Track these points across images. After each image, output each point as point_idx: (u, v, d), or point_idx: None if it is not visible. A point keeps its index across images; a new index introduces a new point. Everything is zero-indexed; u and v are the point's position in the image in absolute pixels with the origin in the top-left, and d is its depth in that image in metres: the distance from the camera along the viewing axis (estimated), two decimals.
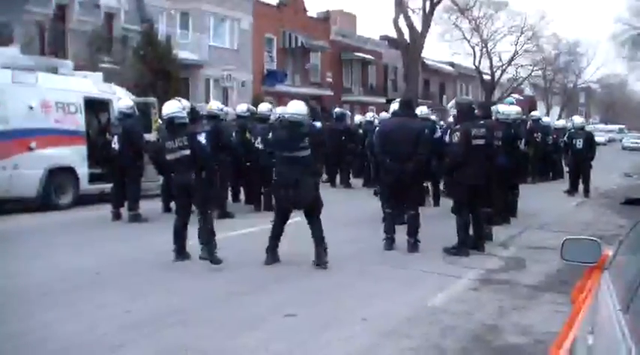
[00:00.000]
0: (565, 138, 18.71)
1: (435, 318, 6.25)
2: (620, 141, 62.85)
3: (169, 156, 8.34)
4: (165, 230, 10.84)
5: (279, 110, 12.01)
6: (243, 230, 10.81)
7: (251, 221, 11.60)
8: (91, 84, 14.62)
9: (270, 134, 8.90)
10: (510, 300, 7.00)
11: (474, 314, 6.44)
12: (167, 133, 8.50)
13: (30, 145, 12.66)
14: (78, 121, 13.76)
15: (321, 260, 7.98)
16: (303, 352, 5.40)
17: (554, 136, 20.67)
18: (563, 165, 20.64)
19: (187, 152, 8.16)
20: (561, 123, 23.42)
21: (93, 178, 14.01)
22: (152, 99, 15.76)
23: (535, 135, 16.27)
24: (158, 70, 24.94)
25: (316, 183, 8.29)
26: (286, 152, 8.01)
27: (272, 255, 8.22)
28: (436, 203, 13.39)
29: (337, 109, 20.08)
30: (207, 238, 8.13)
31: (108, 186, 12.77)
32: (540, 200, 14.11)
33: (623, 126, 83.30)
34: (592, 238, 3.48)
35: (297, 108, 8.06)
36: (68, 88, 13.74)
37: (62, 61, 15.48)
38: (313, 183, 8.14)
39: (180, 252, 8.40)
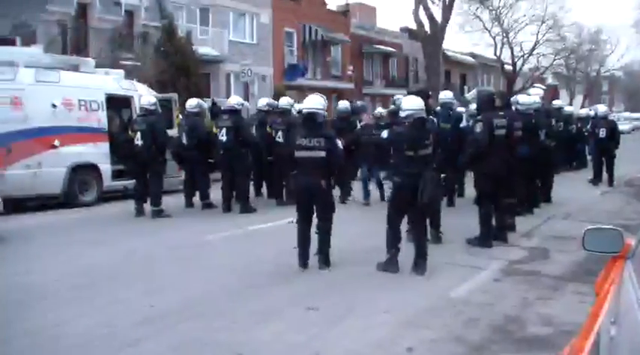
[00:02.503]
0: (588, 127, 18.57)
1: (457, 310, 6.22)
2: None
3: (299, 154, 7.71)
4: (186, 225, 11.02)
5: (299, 105, 11.98)
6: (263, 225, 10.83)
7: (272, 215, 11.63)
8: (113, 81, 14.73)
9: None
10: (534, 291, 6.94)
11: (497, 306, 6.39)
12: (302, 129, 7.90)
13: (53, 143, 12.80)
14: (100, 118, 13.89)
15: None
16: (321, 343, 5.36)
17: (578, 125, 20.47)
18: (587, 154, 20.47)
19: (323, 154, 7.63)
20: (584, 111, 23.15)
21: (116, 175, 14.14)
22: (173, 96, 15.84)
23: (556, 124, 15.99)
24: (179, 66, 25.04)
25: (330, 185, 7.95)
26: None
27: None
28: (460, 194, 13.31)
29: (358, 102, 20.01)
30: (327, 248, 7.79)
31: (131, 183, 12.86)
32: (564, 189, 13.96)
33: None
34: (614, 227, 3.44)
35: (315, 102, 7.97)
36: (90, 86, 13.87)
37: (84, 59, 15.60)
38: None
39: (302, 261, 7.79)
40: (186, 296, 6.68)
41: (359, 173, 14.15)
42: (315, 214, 7.84)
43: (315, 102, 7.94)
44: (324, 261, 7.74)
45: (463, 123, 12.28)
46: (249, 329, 5.66)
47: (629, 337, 2.28)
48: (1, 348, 5.31)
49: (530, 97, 12.88)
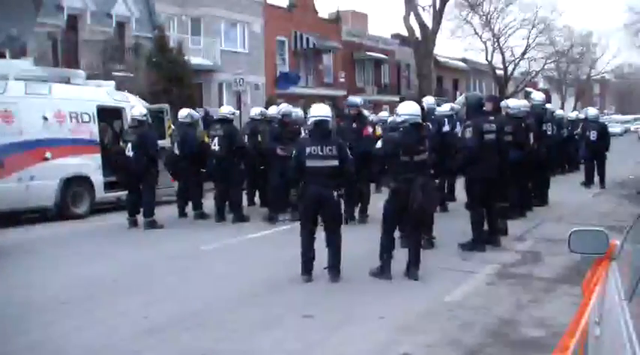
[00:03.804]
0: (579, 130, 18.69)
1: (452, 314, 6.26)
2: (637, 131, 62.14)
3: (310, 163, 7.50)
4: (181, 236, 11.02)
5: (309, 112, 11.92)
6: (257, 233, 10.86)
7: (266, 224, 11.65)
8: (104, 93, 14.71)
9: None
10: (527, 294, 6.99)
11: (491, 309, 6.43)
12: (312, 138, 7.74)
13: (45, 156, 12.76)
14: (92, 130, 13.86)
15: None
16: (321, 350, 5.42)
17: (569, 128, 20.56)
18: (579, 157, 20.54)
19: (335, 162, 7.51)
20: (575, 115, 23.26)
21: (108, 186, 14.11)
22: (165, 106, 15.84)
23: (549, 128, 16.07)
24: (171, 77, 25.04)
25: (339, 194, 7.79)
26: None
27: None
28: (451, 198, 13.34)
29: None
30: (339, 261, 7.66)
31: (123, 194, 12.84)
32: (556, 192, 14.02)
33: (638, 116, 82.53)
34: (599, 229, 3.47)
35: (324, 110, 7.85)
36: (81, 98, 13.83)
37: (75, 71, 15.58)
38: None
39: (308, 271, 7.62)
40: (185, 307, 6.70)
41: None
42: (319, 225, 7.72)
43: (323, 110, 7.85)
44: (336, 273, 7.60)
45: (445, 128, 12.35)
46: (249, 338, 5.69)
47: (613, 337, 2.30)
48: None
49: (520, 101, 13.00)
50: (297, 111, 12.92)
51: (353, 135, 11.17)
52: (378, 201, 8.24)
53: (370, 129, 12.05)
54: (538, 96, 14.91)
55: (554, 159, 14.24)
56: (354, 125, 11.53)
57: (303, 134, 11.68)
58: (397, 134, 7.83)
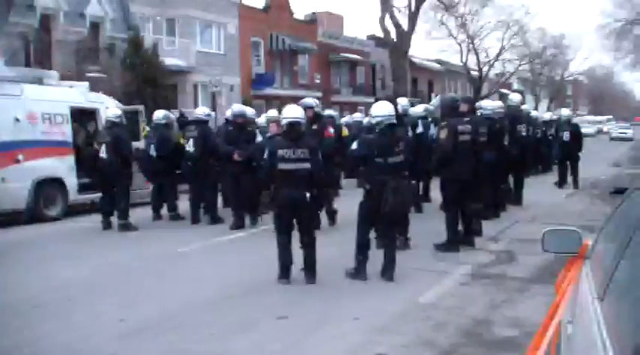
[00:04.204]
0: (553, 131, 18.87)
1: (427, 314, 6.28)
2: (609, 132, 63.06)
3: (282, 166, 7.42)
4: (157, 238, 10.95)
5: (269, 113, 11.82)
6: (232, 235, 10.84)
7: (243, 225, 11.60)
8: (78, 94, 14.57)
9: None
10: (501, 294, 7.04)
11: (465, 309, 6.46)
12: (284, 140, 7.59)
13: (17, 157, 12.61)
14: (65, 132, 13.72)
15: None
16: (298, 352, 5.44)
17: (543, 129, 20.74)
18: (552, 157, 20.73)
19: (307, 165, 7.44)
20: (549, 115, 23.49)
21: (82, 188, 13.97)
22: (140, 107, 15.73)
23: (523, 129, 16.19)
24: (146, 78, 24.91)
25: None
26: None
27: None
28: (426, 199, 13.38)
29: (326, 111, 19.94)
30: (314, 263, 7.61)
31: (97, 196, 12.72)
32: (530, 193, 14.14)
33: (610, 117, 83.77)
34: (572, 229, 3.50)
35: (297, 112, 7.76)
36: (54, 99, 13.69)
37: (48, 72, 15.43)
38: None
39: (286, 274, 7.56)
40: (163, 309, 6.66)
41: None
42: (295, 228, 7.67)
43: (296, 112, 7.75)
44: (312, 275, 7.59)
45: (419, 130, 12.39)
46: (227, 340, 5.68)
47: (585, 335, 2.32)
48: None
49: (495, 102, 13.10)
50: (253, 111, 12.66)
51: (315, 138, 11.00)
52: (352, 202, 8.22)
53: (332, 130, 11.66)
54: (515, 97, 15.05)
55: (528, 160, 14.33)
56: (314, 127, 11.30)
57: (259, 137, 11.45)
58: (372, 135, 7.82)
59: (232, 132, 11.66)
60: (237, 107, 12.46)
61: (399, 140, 7.85)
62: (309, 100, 11.79)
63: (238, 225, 11.30)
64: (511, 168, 12.45)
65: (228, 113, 13.62)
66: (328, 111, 19.38)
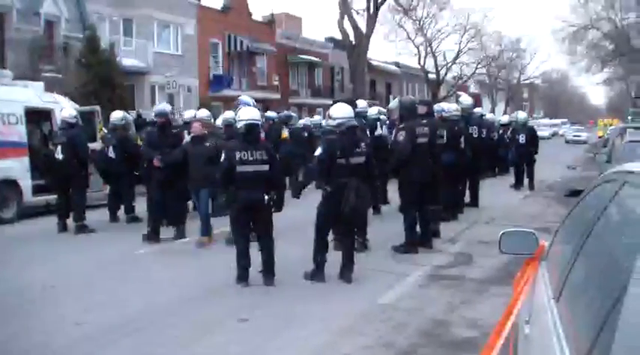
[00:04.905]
0: (509, 134, 19.15)
1: (386, 316, 6.34)
2: (564, 135, 64.29)
3: (241, 169, 7.39)
4: (115, 240, 10.80)
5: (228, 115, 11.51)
6: (192, 237, 10.73)
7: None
8: (32, 93, 14.32)
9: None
10: (459, 295, 7.12)
11: (424, 310, 6.53)
12: (242, 143, 7.55)
13: None
14: (19, 132, 13.46)
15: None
16: (262, 354, 5.45)
17: (500, 132, 21.02)
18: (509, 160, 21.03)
19: (266, 168, 7.46)
20: (506, 118, 23.82)
21: (37, 190, 13.72)
22: (96, 108, 15.52)
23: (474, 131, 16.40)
24: (102, 78, 24.53)
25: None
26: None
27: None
28: (384, 201, 13.44)
29: (285, 112, 19.94)
30: (273, 263, 7.61)
31: (52, 198, 12.51)
32: (487, 195, 14.32)
33: (565, 120, 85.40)
34: (528, 230, 3.56)
35: (254, 114, 7.80)
36: (8, 99, 13.42)
37: (1, 71, 15.12)
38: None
39: (244, 276, 7.53)
40: (125, 312, 6.60)
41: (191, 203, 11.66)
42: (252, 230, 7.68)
43: (254, 114, 7.75)
44: (271, 277, 7.59)
45: (378, 131, 12.49)
46: (190, 343, 5.66)
47: (541, 335, 2.36)
48: None
49: (453, 105, 13.26)
50: (208, 113, 12.02)
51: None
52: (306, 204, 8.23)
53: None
54: (465, 100, 15.26)
55: (481, 161, 14.51)
56: None
57: (186, 139, 10.67)
58: (335, 136, 7.84)
59: (154, 134, 10.87)
60: (160, 106, 11.79)
61: (360, 141, 7.89)
62: (247, 99, 11.71)
63: (151, 238, 10.33)
64: (466, 170, 12.59)
65: (187, 115, 13.45)
66: (286, 113, 19.43)
